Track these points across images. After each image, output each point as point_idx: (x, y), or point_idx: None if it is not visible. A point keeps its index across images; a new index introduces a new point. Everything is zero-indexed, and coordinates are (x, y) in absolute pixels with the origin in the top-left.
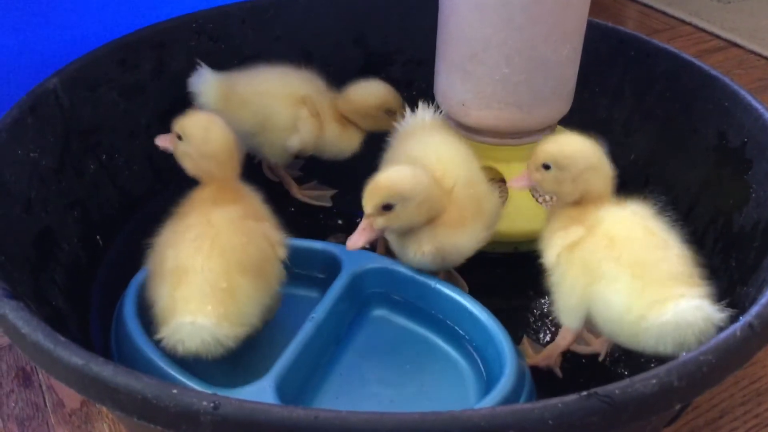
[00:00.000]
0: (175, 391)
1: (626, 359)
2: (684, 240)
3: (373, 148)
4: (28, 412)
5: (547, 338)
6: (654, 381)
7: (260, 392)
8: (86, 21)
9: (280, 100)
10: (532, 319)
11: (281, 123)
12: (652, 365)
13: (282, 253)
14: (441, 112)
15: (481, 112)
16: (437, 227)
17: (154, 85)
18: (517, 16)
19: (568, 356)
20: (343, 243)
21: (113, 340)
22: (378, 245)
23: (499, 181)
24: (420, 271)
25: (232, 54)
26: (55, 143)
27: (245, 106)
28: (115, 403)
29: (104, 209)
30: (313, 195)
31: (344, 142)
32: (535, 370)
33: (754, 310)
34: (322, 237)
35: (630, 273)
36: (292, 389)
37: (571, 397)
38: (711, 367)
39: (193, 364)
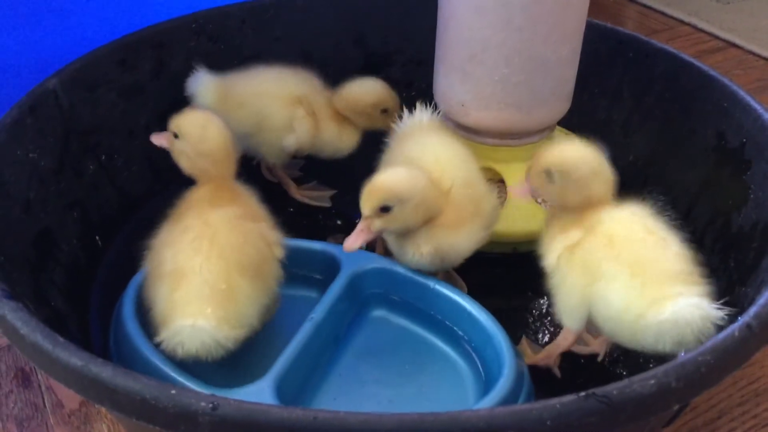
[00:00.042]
0: (173, 391)
1: (625, 360)
2: (683, 240)
3: (372, 149)
4: (27, 412)
5: (546, 338)
6: (652, 382)
7: (259, 393)
8: (86, 21)
9: (276, 101)
10: (530, 320)
11: (278, 123)
12: (651, 366)
13: (279, 252)
14: (440, 112)
15: (480, 112)
16: (435, 228)
17: (153, 86)
18: (516, 16)
19: (567, 356)
20: (342, 243)
21: (112, 341)
22: (377, 246)
23: (498, 181)
24: (419, 271)
25: (232, 54)
26: (55, 144)
27: (242, 107)
28: (113, 403)
29: (104, 210)
30: (312, 195)
31: (341, 141)
32: (533, 370)
33: (753, 310)
34: (321, 237)
35: (629, 271)
36: (291, 390)
37: (570, 398)
38: (709, 368)
39: (191, 365)
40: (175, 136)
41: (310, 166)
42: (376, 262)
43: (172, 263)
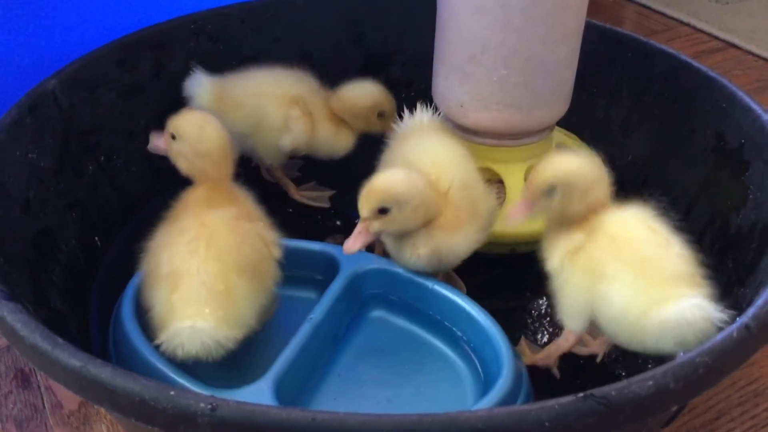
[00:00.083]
0: (172, 392)
1: (623, 360)
2: (685, 241)
3: (371, 149)
4: (27, 413)
5: (545, 339)
6: (650, 383)
7: (258, 393)
8: (85, 22)
9: (273, 101)
10: (529, 320)
11: (274, 123)
12: (649, 367)
13: (277, 252)
14: (439, 113)
15: (479, 113)
16: (433, 230)
17: (153, 86)
18: (515, 17)
19: (566, 357)
20: (341, 244)
21: (111, 342)
22: (376, 246)
23: (496, 181)
24: (418, 272)
25: (232, 55)
26: (54, 144)
27: (239, 107)
28: (113, 404)
29: (103, 210)
30: (311, 196)
31: (337, 142)
32: (532, 370)
33: (751, 311)
34: (320, 238)
35: (631, 271)
36: (290, 390)
37: (568, 399)
38: (707, 369)
39: (190, 366)
40: (173, 137)
41: (309, 166)
42: (375, 262)
43: (169, 265)
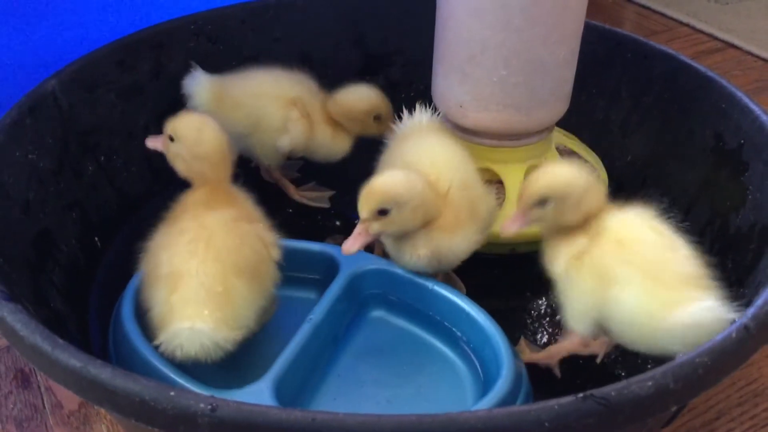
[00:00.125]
0: (172, 393)
1: (623, 361)
2: (689, 242)
3: (371, 150)
4: (27, 413)
5: (545, 339)
6: (650, 383)
7: (258, 394)
8: (85, 22)
9: (272, 101)
10: (529, 320)
11: (273, 124)
12: (649, 367)
13: (276, 254)
14: (439, 113)
15: (479, 113)
16: (433, 231)
17: (152, 87)
18: (515, 18)
19: (566, 357)
20: (341, 244)
21: (111, 342)
22: (375, 246)
23: (496, 182)
24: (417, 272)
25: (231, 55)
26: (54, 144)
27: (238, 107)
28: (112, 405)
29: (103, 210)
30: (310, 196)
31: (335, 145)
32: (531, 371)
33: (750, 311)
34: (319, 238)
35: (642, 275)
36: (290, 391)
37: (568, 399)
38: (707, 369)
39: (190, 366)
40: (171, 139)
41: (309, 167)
42: (375, 262)
43: (168, 266)
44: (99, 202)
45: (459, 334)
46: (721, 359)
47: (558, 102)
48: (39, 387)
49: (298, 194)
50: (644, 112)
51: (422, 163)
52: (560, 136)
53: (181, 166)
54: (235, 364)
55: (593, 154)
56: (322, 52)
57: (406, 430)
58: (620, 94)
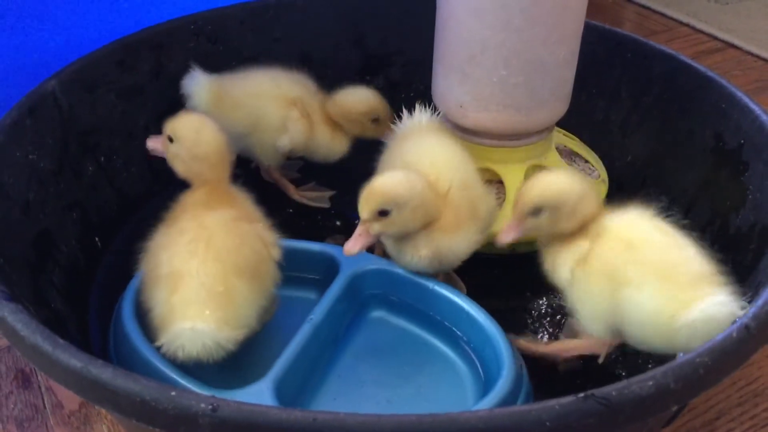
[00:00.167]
0: (173, 393)
1: (624, 360)
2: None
3: (371, 150)
4: (28, 413)
5: (545, 339)
6: (651, 383)
7: (258, 394)
8: (85, 22)
9: (271, 101)
10: (529, 320)
11: (273, 124)
12: (650, 366)
13: (276, 253)
14: (439, 113)
15: (479, 114)
16: (433, 231)
17: (152, 87)
18: (515, 18)
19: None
20: (341, 244)
21: (111, 342)
22: (375, 247)
23: (496, 182)
24: (418, 272)
25: (231, 55)
26: (54, 145)
27: (237, 107)
28: (113, 405)
29: (103, 211)
30: (310, 196)
31: (334, 145)
32: (532, 371)
33: (751, 311)
34: (320, 238)
35: (656, 275)
36: (291, 391)
37: (569, 399)
38: (707, 369)
39: (191, 366)
40: (170, 139)
41: (309, 167)
42: (375, 263)
43: (168, 266)
44: (99, 202)
45: (459, 334)
46: (722, 359)
47: (558, 102)
48: (39, 387)
49: (298, 194)
50: (644, 112)
51: (422, 164)
52: (560, 136)
53: (180, 167)
54: (235, 365)
55: (593, 154)
56: (322, 52)
57: (406, 430)
58: (620, 94)
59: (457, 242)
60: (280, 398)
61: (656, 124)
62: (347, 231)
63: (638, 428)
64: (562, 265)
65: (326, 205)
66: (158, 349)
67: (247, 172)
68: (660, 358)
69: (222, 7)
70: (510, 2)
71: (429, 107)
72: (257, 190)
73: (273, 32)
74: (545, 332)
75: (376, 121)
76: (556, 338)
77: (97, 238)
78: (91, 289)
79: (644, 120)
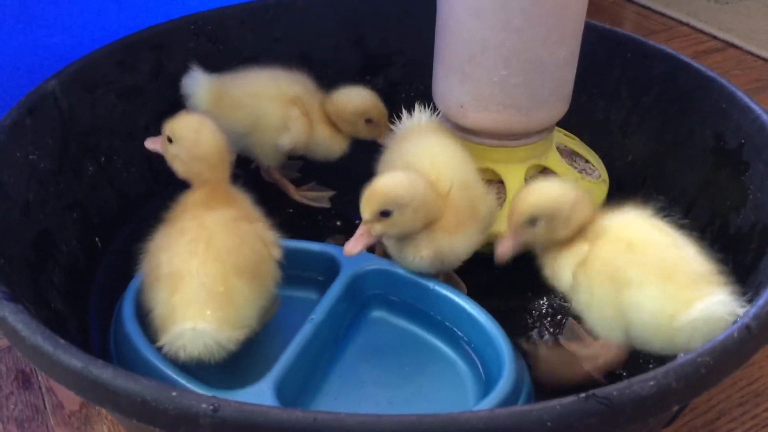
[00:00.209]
0: (174, 393)
1: (624, 360)
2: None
3: (371, 150)
4: (28, 413)
5: (544, 339)
6: (652, 383)
7: (259, 394)
8: (85, 22)
9: (271, 101)
10: (530, 320)
11: (273, 123)
12: (651, 366)
13: (277, 253)
14: (438, 113)
15: (479, 114)
16: (435, 232)
17: (152, 87)
18: (515, 18)
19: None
20: (342, 244)
21: (112, 342)
22: (376, 247)
23: (496, 182)
24: (418, 272)
25: (231, 55)
26: (54, 145)
27: (237, 107)
28: (114, 405)
29: (103, 211)
30: (311, 196)
31: (333, 144)
32: (532, 371)
33: (752, 311)
34: (320, 238)
35: (656, 275)
36: (291, 391)
37: (570, 399)
38: (708, 369)
39: (192, 367)
40: (170, 140)
41: (309, 167)
42: (376, 263)
43: (169, 266)
44: (99, 202)
45: (460, 334)
46: (723, 359)
47: (558, 102)
48: (40, 387)
49: (298, 194)
50: (644, 112)
51: (422, 164)
52: (561, 136)
53: (179, 167)
54: (236, 365)
55: (594, 153)
56: (322, 52)
57: (406, 430)
58: (620, 94)
59: (458, 242)
60: (280, 398)
61: (656, 123)
62: (348, 231)
63: (639, 428)
64: (563, 270)
65: (326, 205)
66: (159, 349)
67: (247, 172)
68: (661, 358)
69: (222, 7)
70: (510, 2)
71: (429, 107)
72: (257, 190)
73: (273, 32)
74: (545, 332)
75: (369, 122)
76: (556, 339)
77: (97, 238)
78: (91, 289)
79: (644, 120)
